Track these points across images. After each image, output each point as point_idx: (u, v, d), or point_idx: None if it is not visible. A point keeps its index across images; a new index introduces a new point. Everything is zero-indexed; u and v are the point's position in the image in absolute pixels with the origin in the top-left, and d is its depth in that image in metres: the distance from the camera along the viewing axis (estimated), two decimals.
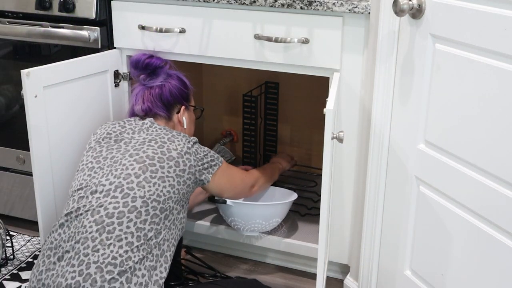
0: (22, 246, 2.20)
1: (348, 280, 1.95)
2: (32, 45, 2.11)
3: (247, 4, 1.78)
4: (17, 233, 2.28)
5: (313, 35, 1.75)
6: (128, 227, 1.48)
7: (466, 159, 1.39)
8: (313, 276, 2.06)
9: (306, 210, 2.22)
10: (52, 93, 1.76)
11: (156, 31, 1.91)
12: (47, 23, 2.03)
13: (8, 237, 2.15)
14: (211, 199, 1.95)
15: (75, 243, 1.47)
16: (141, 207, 1.51)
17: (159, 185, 1.56)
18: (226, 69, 2.44)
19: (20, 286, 1.97)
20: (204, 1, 1.83)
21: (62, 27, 2.01)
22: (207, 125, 2.69)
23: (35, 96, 1.70)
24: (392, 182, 1.67)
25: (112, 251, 1.44)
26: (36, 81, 1.69)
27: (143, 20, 1.94)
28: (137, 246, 1.47)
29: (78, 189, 1.58)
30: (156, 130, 1.68)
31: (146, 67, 1.84)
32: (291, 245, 2.01)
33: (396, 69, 1.58)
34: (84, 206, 1.52)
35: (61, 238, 1.51)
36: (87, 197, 1.54)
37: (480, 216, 1.37)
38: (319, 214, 1.49)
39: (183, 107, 1.84)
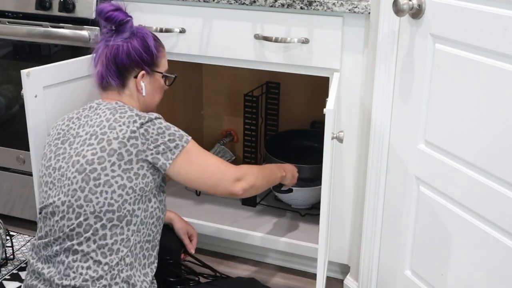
0: (22, 246, 2.20)
1: (348, 280, 1.95)
2: (32, 45, 2.11)
3: (247, 4, 1.78)
4: (17, 233, 2.28)
5: (313, 35, 1.75)
6: (88, 246, 1.41)
7: (466, 159, 1.39)
8: (313, 276, 2.06)
9: (306, 210, 2.22)
10: (52, 93, 1.76)
11: (156, 31, 1.91)
12: (47, 23, 2.03)
13: (8, 237, 2.15)
14: (276, 189, 2.01)
15: (49, 267, 1.44)
16: (95, 223, 1.42)
17: (106, 192, 1.42)
18: (227, 69, 2.44)
19: (20, 286, 1.97)
20: (204, 1, 1.83)
21: (62, 27, 2.01)
22: (207, 125, 2.69)
23: (35, 96, 1.70)
24: (392, 182, 1.66)
25: (81, 274, 1.40)
26: (36, 81, 1.69)
27: (143, 20, 1.94)
28: (106, 263, 1.41)
29: (41, 208, 1.52)
30: (100, 117, 1.50)
31: (107, 19, 1.60)
32: (291, 245, 2.01)
33: (396, 69, 1.58)
34: (50, 230, 1.47)
35: (38, 258, 1.48)
36: (49, 219, 1.48)
37: (480, 216, 1.37)
38: (319, 214, 1.49)
39: (142, 72, 1.60)
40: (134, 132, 1.45)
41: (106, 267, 1.41)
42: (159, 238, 1.58)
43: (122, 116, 1.48)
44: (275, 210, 2.23)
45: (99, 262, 1.41)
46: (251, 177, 1.61)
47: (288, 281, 2.05)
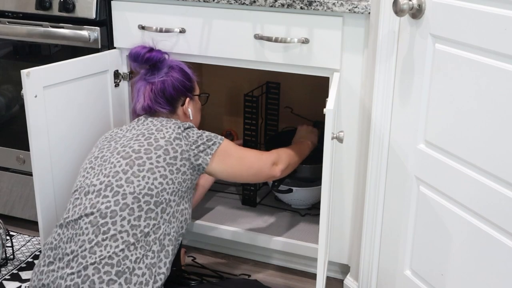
0: (22, 246, 2.20)
1: (348, 280, 1.95)
2: (32, 45, 2.11)
3: (247, 4, 1.78)
4: (17, 233, 2.28)
5: (313, 35, 1.75)
6: (122, 225, 1.47)
7: (466, 159, 1.39)
8: (313, 276, 2.06)
9: (306, 210, 2.22)
10: (52, 93, 1.76)
11: (156, 31, 1.91)
12: (47, 23, 2.03)
13: (8, 237, 2.15)
14: (275, 189, 2.02)
15: (74, 245, 1.47)
16: (132, 203, 1.49)
17: (148, 177, 1.52)
18: (227, 69, 2.44)
19: (20, 286, 1.97)
20: (204, 1, 1.83)
21: (62, 27, 2.01)
22: (207, 125, 2.69)
23: (35, 96, 1.70)
24: (392, 182, 1.66)
25: (108, 252, 1.43)
26: (36, 81, 1.69)
27: (143, 20, 1.94)
28: (133, 244, 1.46)
29: (74, 191, 1.59)
30: (147, 124, 1.66)
31: (146, 61, 1.77)
32: (291, 245, 2.01)
33: (396, 69, 1.58)
34: (79, 208, 1.52)
35: (61, 238, 1.51)
36: (81, 198, 1.54)
37: (480, 216, 1.37)
38: (319, 214, 1.49)
39: (187, 99, 1.79)
40: (179, 134, 1.61)
41: (132, 248, 1.45)
42: (176, 241, 1.60)
43: (168, 122, 1.65)
44: (275, 210, 2.23)
45: (128, 242, 1.45)
46: (285, 158, 1.82)
47: (288, 281, 2.05)
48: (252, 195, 2.23)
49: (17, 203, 2.31)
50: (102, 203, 1.49)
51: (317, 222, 2.11)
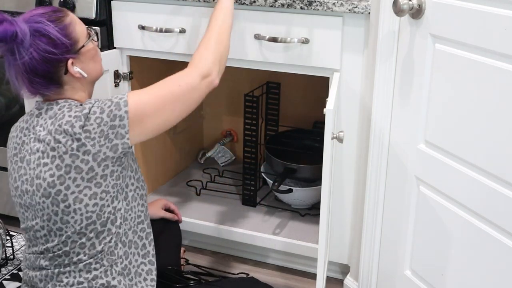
0: (22, 246, 2.20)
1: (348, 280, 1.95)
2: None
3: (247, 4, 1.78)
4: (17, 233, 2.28)
5: (313, 35, 1.75)
6: (79, 259, 1.40)
7: (466, 159, 1.39)
8: (313, 276, 2.06)
9: (306, 210, 2.22)
10: None
11: (156, 31, 1.91)
12: None
13: (8, 237, 2.15)
14: (275, 189, 2.04)
15: (41, 274, 1.44)
16: (80, 238, 1.38)
17: (80, 209, 1.36)
18: (227, 69, 2.43)
19: (20, 286, 1.96)
20: (204, 1, 1.83)
21: None
22: (207, 125, 2.69)
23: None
24: (392, 182, 1.66)
25: (75, 277, 1.41)
26: None
27: (143, 20, 1.94)
28: (97, 263, 1.41)
29: (24, 229, 1.48)
30: (44, 129, 1.38)
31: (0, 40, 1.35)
32: (291, 245, 2.01)
33: (396, 69, 1.58)
34: (38, 248, 1.45)
35: (28, 269, 1.48)
36: (35, 239, 1.44)
37: (480, 216, 1.37)
38: (319, 214, 1.50)
39: (70, 61, 1.40)
40: (80, 140, 1.33)
41: (98, 266, 1.40)
42: (148, 213, 1.53)
43: (61, 123, 1.35)
44: (275, 210, 2.23)
45: (90, 265, 1.40)
46: (211, 59, 1.49)
47: (288, 281, 2.05)
48: (252, 195, 2.24)
49: None
50: (54, 246, 1.41)
51: (317, 222, 2.11)
